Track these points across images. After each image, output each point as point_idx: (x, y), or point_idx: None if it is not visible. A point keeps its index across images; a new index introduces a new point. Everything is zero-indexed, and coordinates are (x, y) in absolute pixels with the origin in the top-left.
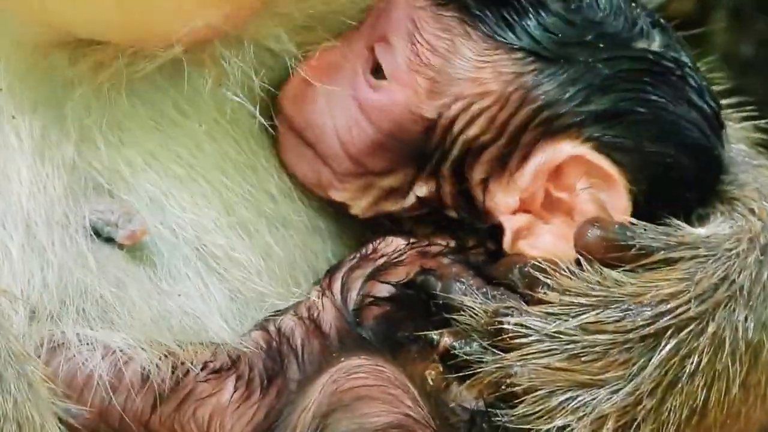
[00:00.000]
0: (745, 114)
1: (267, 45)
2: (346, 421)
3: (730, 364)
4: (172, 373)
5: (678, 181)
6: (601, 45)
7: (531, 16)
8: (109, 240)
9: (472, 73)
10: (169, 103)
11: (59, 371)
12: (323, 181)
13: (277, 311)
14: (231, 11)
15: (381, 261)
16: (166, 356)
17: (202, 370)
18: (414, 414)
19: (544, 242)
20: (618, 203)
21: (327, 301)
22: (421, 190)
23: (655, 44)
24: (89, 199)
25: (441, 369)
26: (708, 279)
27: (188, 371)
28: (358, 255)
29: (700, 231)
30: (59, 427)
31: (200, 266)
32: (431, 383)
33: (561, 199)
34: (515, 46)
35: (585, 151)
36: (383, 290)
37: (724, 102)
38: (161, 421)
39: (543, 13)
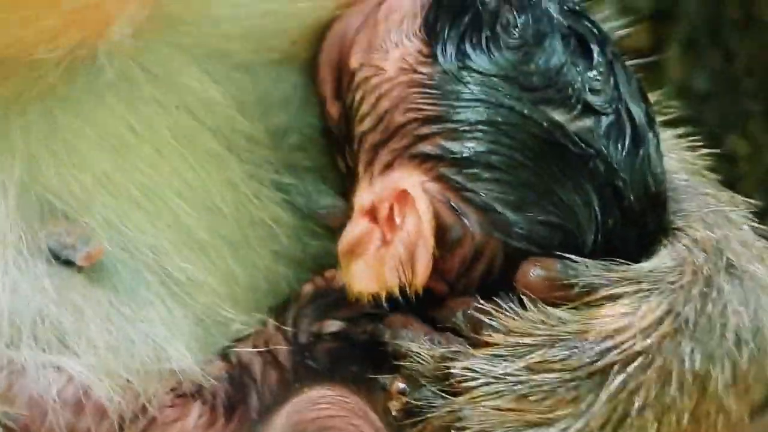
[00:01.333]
0: (691, 143)
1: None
2: None
3: (678, 396)
4: (134, 402)
5: (523, 252)
6: (511, 91)
7: (467, 31)
8: (68, 263)
9: (388, 45)
10: (119, 122)
11: (17, 398)
12: None
13: (238, 339)
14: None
15: (332, 297)
16: (126, 385)
17: (167, 394)
18: None
19: (359, 276)
20: (421, 257)
21: (282, 335)
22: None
23: (577, 124)
24: (45, 222)
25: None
26: (652, 312)
27: (150, 401)
28: (312, 288)
29: (643, 265)
30: None
31: (163, 291)
32: (395, 414)
33: (395, 225)
34: (430, 44)
35: (418, 192)
36: (333, 326)
37: (671, 132)
38: None
39: (478, 33)
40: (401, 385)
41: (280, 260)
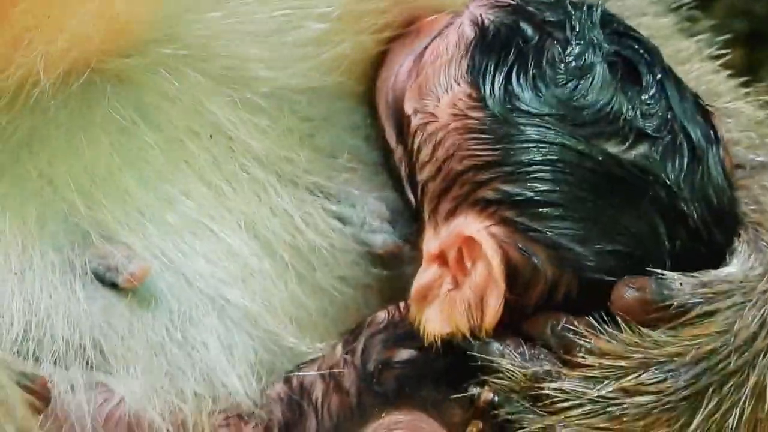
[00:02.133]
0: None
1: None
2: None
3: None
4: (184, 428)
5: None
6: (563, 129)
7: (513, 70)
8: (114, 286)
9: (438, 91)
10: (156, 153)
11: (68, 415)
12: None
13: (302, 363)
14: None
15: (406, 326)
16: (177, 411)
17: (221, 413)
18: None
19: (431, 319)
20: (491, 301)
21: (349, 360)
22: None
23: (632, 153)
24: (89, 246)
25: (482, 426)
26: (747, 329)
27: (201, 425)
28: (386, 318)
29: (735, 274)
30: None
31: (220, 318)
32: None
33: (466, 268)
34: (478, 86)
35: (484, 237)
36: (404, 355)
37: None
38: None
39: (525, 72)
40: (491, 395)
41: (346, 285)
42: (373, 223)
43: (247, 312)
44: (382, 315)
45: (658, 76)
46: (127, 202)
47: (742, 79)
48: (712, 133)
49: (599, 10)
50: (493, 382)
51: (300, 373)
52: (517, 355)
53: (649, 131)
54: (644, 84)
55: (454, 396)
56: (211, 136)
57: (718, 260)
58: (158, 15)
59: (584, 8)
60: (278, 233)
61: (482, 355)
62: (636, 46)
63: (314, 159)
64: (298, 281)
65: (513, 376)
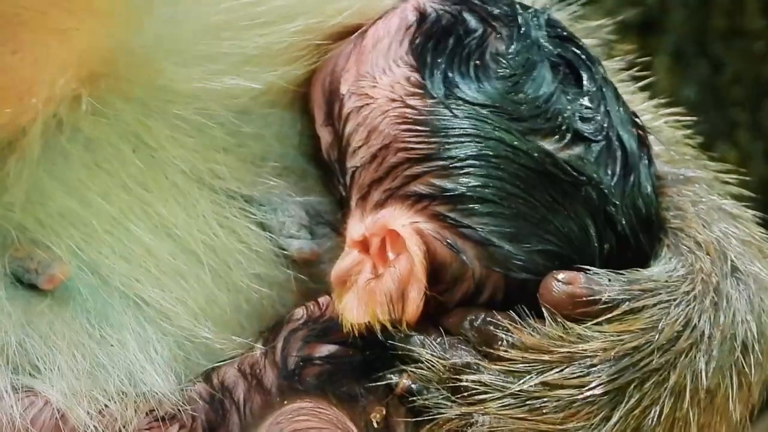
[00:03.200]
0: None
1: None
2: None
3: (689, 410)
4: (111, 427)
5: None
6: (500, 123)
7: (455, 58)
8: (33, 287)
9: (376, 72)
10: (79, 164)
11: None
12: None
13: (221, 361)
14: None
15: (324, 322)
16: (103, 409)
17: (145, 417)
18: None
19: (350, 307)
20: (411, 297)
21: (269, 359)
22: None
23: (567, 152)
24: (8, 248)
25: (384, 413)
26: (671, 327)
27: (126, 425)
28: (304, 314)
29: (659, 274)
30: None
31: (136, 315)
32: (376, 426)
33: (387, 259)
34: (418, 69)
35: (409, 233)
36: (324, 350)
37: (653, 103)
38: None
39: (467, 61)
40: (408, 383)
41: (262, 283)
42: (291, 229)
43: (161, 309)
44: (300, 311)
45: (599, 83)
46: (47, 204)
47: (662, 100)
48: (644, 146)
49: (546, 14)
50: (412, 372)
51: (220, 372)
52: (437, 346)
53: (586, 134)
54: (585, 89)
55: (371, 384)
56: (134, 150)
57: (643, 265)
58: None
59: (531, 10)
60: (194, 234)
61: (402, 345)
62: (579, 52)
63: (239, 168)
64: (212, 279)
65: (432, 366)
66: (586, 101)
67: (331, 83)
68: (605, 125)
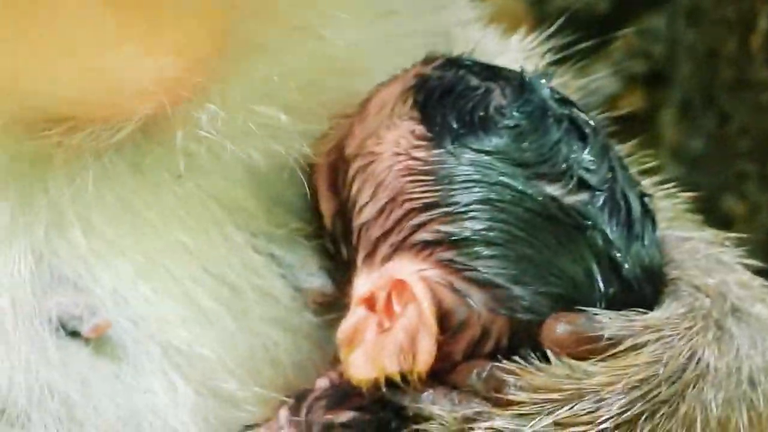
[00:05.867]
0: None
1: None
2: None
3: None
4: None
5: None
6: (504, 169)
7: (460, 111)
8: (75, 334)
9: (381, 131)
10: (132, 191)
11: None
12: None
13: (249, 427)
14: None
15: (344, 388)
16: None
17: None
18: None
19: (356, 364)
20: (423, 344)
21: (295, 426)
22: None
23: (572, 198)
24: (54, 291)
25: None
26: (676, 359)
27: None
28: (327, 380)
29: (661, 314)
30: None
31: (164, 361)
32: None
33: (394, 313)
34: (422, 122)
35: (415, 280)
36: (343, 417)
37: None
38: None
39: (471, 114)
40: None
41: (278, 327)
42: (311, 269)
43: (189, 354)
44: (324, 380)
45: (602, 143)
46: (90, 240)
47: (656, 179)
48: (647, 209)
49: (551, 77)
50: (425, 430)
51: None
52: (447, 401)
53: (591, 183)
54: (589, 144)
55: None
56: (180, 176)
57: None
58: None
59: (536, 71)
60: (229, 273)
61: (413, 404)
62: (581, 115)
63: (261, 206)
64: (237, 322)
65: (444, 422)
66: (590, 155)
67: (338, 152)
68: (609, 179)
